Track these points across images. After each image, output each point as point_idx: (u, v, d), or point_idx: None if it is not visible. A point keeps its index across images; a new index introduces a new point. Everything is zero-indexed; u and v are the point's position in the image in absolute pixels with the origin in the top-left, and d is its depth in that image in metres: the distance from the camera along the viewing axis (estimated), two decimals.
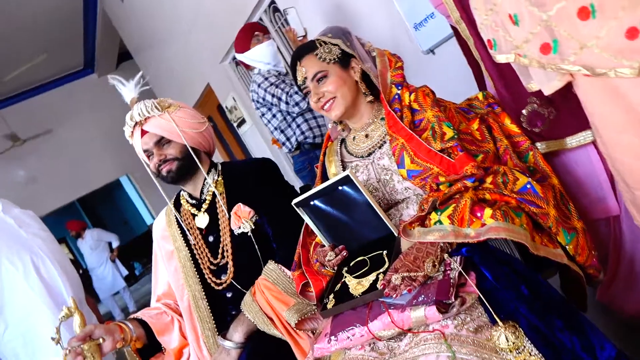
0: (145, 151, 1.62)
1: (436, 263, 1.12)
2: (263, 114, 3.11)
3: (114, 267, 7.46)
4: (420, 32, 2.93)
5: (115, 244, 7.61)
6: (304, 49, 1.47)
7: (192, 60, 5.57)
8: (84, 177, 8.49)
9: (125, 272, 7.92)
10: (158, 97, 1.66)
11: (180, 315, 1.65)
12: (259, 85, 2.99)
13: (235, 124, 5.71)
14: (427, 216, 1.20)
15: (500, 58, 1.24)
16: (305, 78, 1.44)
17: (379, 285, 1.16)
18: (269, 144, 5.32)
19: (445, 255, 1.14)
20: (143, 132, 1.60)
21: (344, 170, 1.51)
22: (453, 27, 1.74)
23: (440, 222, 1.15)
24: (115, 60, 8.23)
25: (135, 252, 13.31)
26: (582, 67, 0.98)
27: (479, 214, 1.12)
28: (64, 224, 7.79)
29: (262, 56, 3.00)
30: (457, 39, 1.77)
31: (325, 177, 1.57)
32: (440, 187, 1.26)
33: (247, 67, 3.15)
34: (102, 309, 8.96)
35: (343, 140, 1.58)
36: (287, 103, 2.90)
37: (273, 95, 2.93)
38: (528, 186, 1.20)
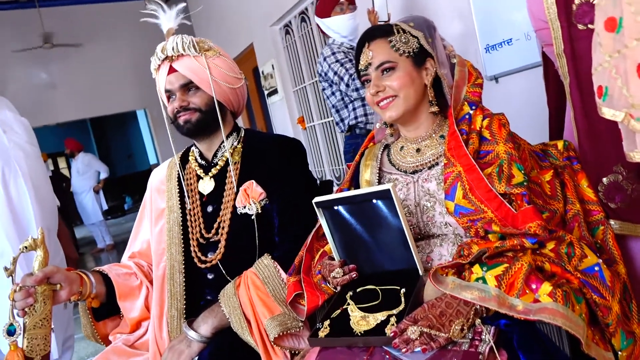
0: (167, 91, 1.42)
1: (465, 327, 0.91)
2: (324, 89, 3.00)
3: (95, 197, 7.32)
4: (490, 55, 2.71)
5: (103, 175, 7.47)
6: (377, 31, 1.25)
7: (243, 14, 5.36)
8: (103, 98, 8.29)
9: (105, 206, 7.75)
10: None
11: (152, 282, 1.45)
12: (324, 59, 2.87)
13: (266, 92, 5.51)
14: (467, 266, 0.99)
15: (607, 112, 1.02)
16: (369, 64, 1.23)
17: (388, 330, 0.96)
18: (294, 121, 5.12)
19: (478, 321, 0.93)
20: (171, 70, 1.39)
21: (379, 180, 1.30)
22: (544, 58, 1.52)
23: (484, 280, 0.94)
24: None
25: (131, 186, 13.23)
26: None
27: (534, 286, 0.91)
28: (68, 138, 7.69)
29: (340, 28, 2.86)
30: (545, 72, 1.54)
31: (355, 181, 1.36)
32: (490, 236, 1.05)
33: (324, 33, 3.01)
34: (85, 233, 8.88)
35: (387, 146, 1.37)
36: (347, 85, 2.77)
37: (335, 73, 2.80)
38: (596, 268, 0.99)
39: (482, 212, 1.07)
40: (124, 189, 13.79)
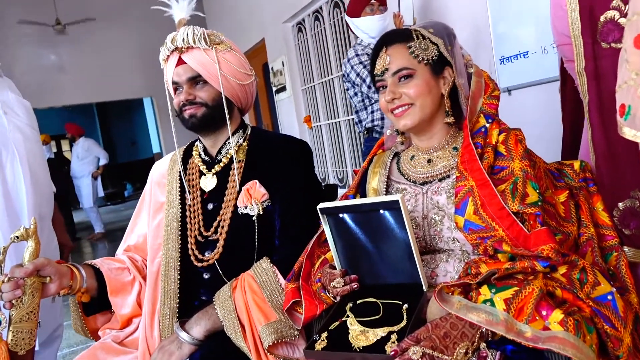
0: (174, 83, 1.38)
1: (470, 351, 0.87)
2: (347, 89, 3.02)
3: (92, 183, 7.30)
4: (504, 66, 2.67)
5: (102, 162, 7.44)
6: (396, 35, 1.21)
7: (257, 9, 5.32)
8: (111, 84, 8.25)
9: (101, 192, 7.73)
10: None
11: (145, 278, 1.41)
12: (348, 61, 2.88)
13: (274, 89, 5.47)
14: (474, 287, 0.95)
15: (627, 132, 0.98)
16: (386, 69, 1.19)
17: (388, 348, 0.92)
18: (300, 119, 5.08)
19: (483, 345, 0.89)
20: (180, 62, 1.35)
21: (387, 188, 1.26)
22: (563, 73, 1.48)
23: (492, 302, 0.90)
24: None
25: (132, 174, 13.21)
26: None
27: (544, 312, 0.87)
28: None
29: (369, 29, 2.84)
30: (562, 88, 1.50)
31: (362, 188, 1.32)
32: (499, 255, 1.01)
33: (352, 32, 3.02)
34: (83, 217, 8.86)
35: (397, 154, 1.33)
36: (369, 87, 2.77)
37: (357, 75, 2.80)
38: (609, 297, 0.95)
39: (492, 229, 1.03)
40: (126, 176, 13.77)
